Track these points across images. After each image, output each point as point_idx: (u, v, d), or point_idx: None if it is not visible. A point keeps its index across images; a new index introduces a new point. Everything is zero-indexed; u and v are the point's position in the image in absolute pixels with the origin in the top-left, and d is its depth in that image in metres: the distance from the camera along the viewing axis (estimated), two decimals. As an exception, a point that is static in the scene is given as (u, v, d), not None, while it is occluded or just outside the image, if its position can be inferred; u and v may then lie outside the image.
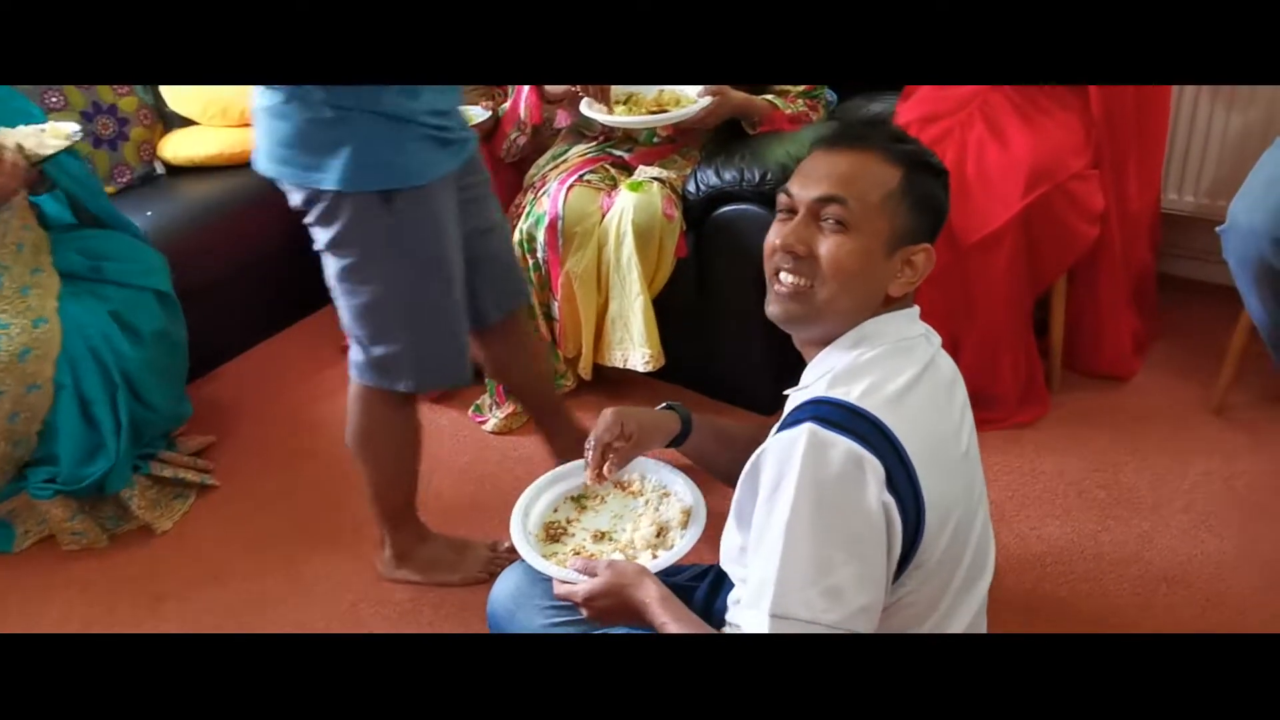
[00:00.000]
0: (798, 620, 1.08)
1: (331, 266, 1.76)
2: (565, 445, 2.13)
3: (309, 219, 1.73)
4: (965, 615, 1.22)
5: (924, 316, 1.28)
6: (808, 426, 1.10)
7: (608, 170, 2.45)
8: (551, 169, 2.49)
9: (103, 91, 2.82)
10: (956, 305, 2.24)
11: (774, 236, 1.24)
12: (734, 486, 1.23)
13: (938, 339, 1.27)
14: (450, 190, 1.74)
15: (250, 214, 2.78)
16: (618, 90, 2.36)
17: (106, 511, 2.25)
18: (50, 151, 2.15)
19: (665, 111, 2.31)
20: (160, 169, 2.92)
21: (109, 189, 2.73)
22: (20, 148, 2.12)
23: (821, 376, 1.19)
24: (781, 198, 1.25)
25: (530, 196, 2.46)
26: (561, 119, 2.56)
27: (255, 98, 1.67)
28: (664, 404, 1.54)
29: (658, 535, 1.48)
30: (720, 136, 2.45)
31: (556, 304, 2.40)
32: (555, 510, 1.58)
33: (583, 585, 1.32)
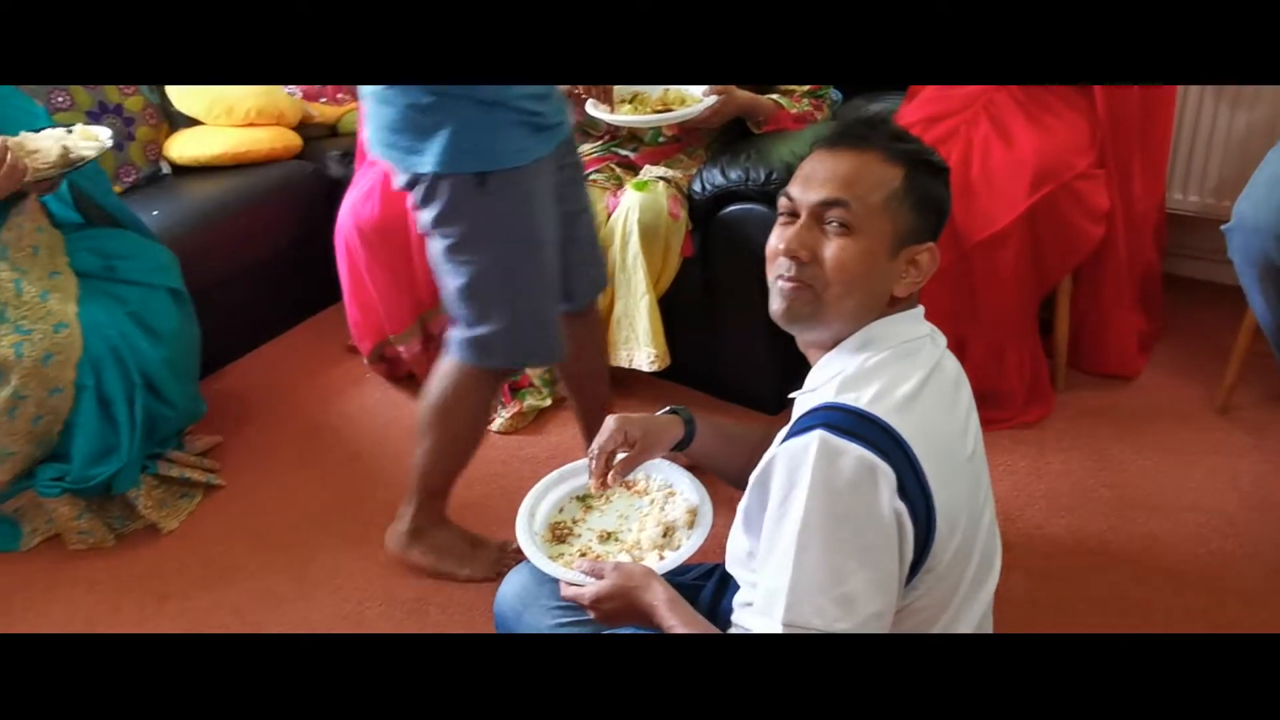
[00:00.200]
0: (810, 629, 1.08)
1: (437, 248, 1.81)
2: None
3: (412, 201, 1.78)
4: (973, 617, 1.22)
5: (929, 316, 1.28)
6: (818, 433, 1.09)
7: (613, 170, 2.45)
8: (556, 168, 2.49)
9: (109, 91, 2.82)
10: (962, 305, 2.24)
11: (776, 241, 1.23)
12: (740, 488, 1.23)
13: (943, 339, 1.27)
14: (546, 173, 1.78)
15: (256, 213, 2.79)
16: (622, 89, 2.37)
17: (113, 511, 2.26)
18: (91, 154, 2.17)
19: (670, 111, 2.31)
20: (166, 168, 2.93)
21: (115, 188, 2.74)
22: (66, 150, 2.13)
23: (829, 381, 1.19)
24: (782, 201, 1.24)
25: (535, 196, 2.46)
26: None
27: (363, 85, 1.75)
28: (667, 408, 1.53)
29: (664, 535, 1.48)
30: (726, 136, 2.45)
31: (562, 303, 2.40)
32: (561, 510, 1.58)
33: (590, 587, 1.32)
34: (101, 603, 2.09)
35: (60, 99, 2.72)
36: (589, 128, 2.53)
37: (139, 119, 2.87)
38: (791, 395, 1.27)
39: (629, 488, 1.60)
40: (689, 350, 2.42)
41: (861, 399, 1.13)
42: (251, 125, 2.93)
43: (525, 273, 1.79)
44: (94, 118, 2.76)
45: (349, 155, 2.83)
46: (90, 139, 2.19)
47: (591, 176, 2.40)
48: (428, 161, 1.68)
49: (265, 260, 2.84)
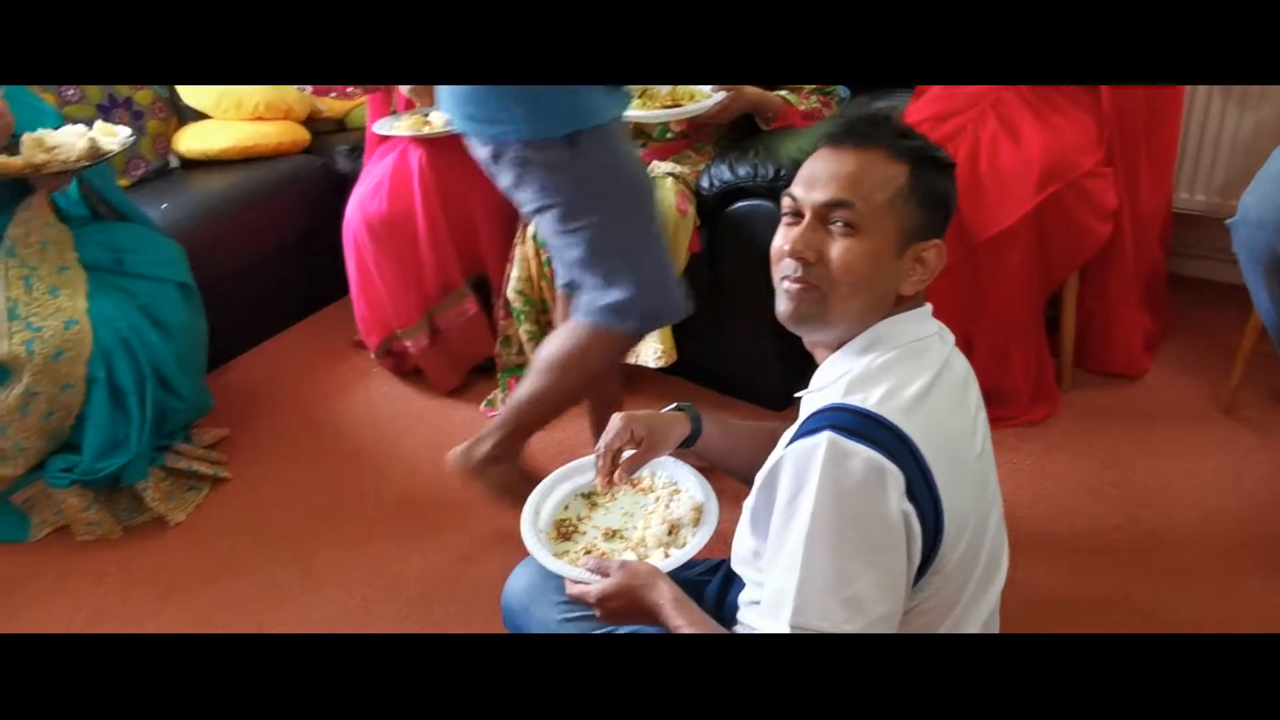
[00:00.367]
0: (817, 631, 1.07)
1: (546, 226, 1.81)
2: None
3: (506, 181, 1.78)
4: (979, 617, 1.22)
5: (935, 314, 1.27)
6: (826, 435, 1.08)
7: (620, 166, 2.45)
8: (564, 164, 2.50)
9: (118, 85, 2.84)
10: (968, 302, 2.24)
11: (781, 241, 1.21)
12: (747, 484, 1.23)
13: (951, 337, 1.26)
14: (625, 132, 1.79)
15: (264, 207, 2.80)
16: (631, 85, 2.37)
17: (122, 503, 2.27)
18: (116, 148, 2.19)
19: (679, 106, 2.31)
20: (175, 162, 2.94)
21: (123, 182, 2.75)
22: (94, 143, 2.15)
23: (836, 380, 1.18)
24: (786, 201, 1.23)
25: (543, 192, 2.47)
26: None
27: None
28: (673, 405, 1.52)
29: (669, 533, 1.47)
30: (734, 132, 2.45)
31: (568, 299, 2.41)
32: (566, 508, 1.57)
33: (595, 586, 1.31)
34: (110, 594, 2.10)
35: (70, 92, 2.73)
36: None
37: (148, 113, 2.88)
38: (798, 394, 1.26)
39: (634, 485, 1.59)
40: (695, 346, 2.42)
41: (869, 400, 1.12)
42: (260, 120, 2.93)
43: (638, 227, 1.80)
44: (104, 111, 2.77)
45: (357, 150, 2.84)
46: (109, 134, 2.22)
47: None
48: (514, 130, 1.67)
49: (272, 254, 2.85)
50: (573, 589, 1.35)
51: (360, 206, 2.53)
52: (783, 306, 1.22)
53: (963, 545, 1.15)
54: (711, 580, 1.46)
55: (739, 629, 1.29)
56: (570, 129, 1.68)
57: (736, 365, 2.46)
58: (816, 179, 1.19)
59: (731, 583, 1.39)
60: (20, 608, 2.09)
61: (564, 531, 1.52)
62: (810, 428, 1.12)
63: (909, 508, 1.08)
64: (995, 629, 1.29)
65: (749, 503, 1.23)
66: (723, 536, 1.44)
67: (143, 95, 2.87)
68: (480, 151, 1.78)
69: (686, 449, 1.51)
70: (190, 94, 2.95)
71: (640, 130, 2.49)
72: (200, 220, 2.68)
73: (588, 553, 1.45)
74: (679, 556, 1.41)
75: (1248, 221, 1.97)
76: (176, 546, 2.22)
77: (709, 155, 2.41)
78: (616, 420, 1.45)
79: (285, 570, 2.13)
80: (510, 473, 2.04)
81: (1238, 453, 2.22)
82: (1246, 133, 2.53)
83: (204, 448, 2.43)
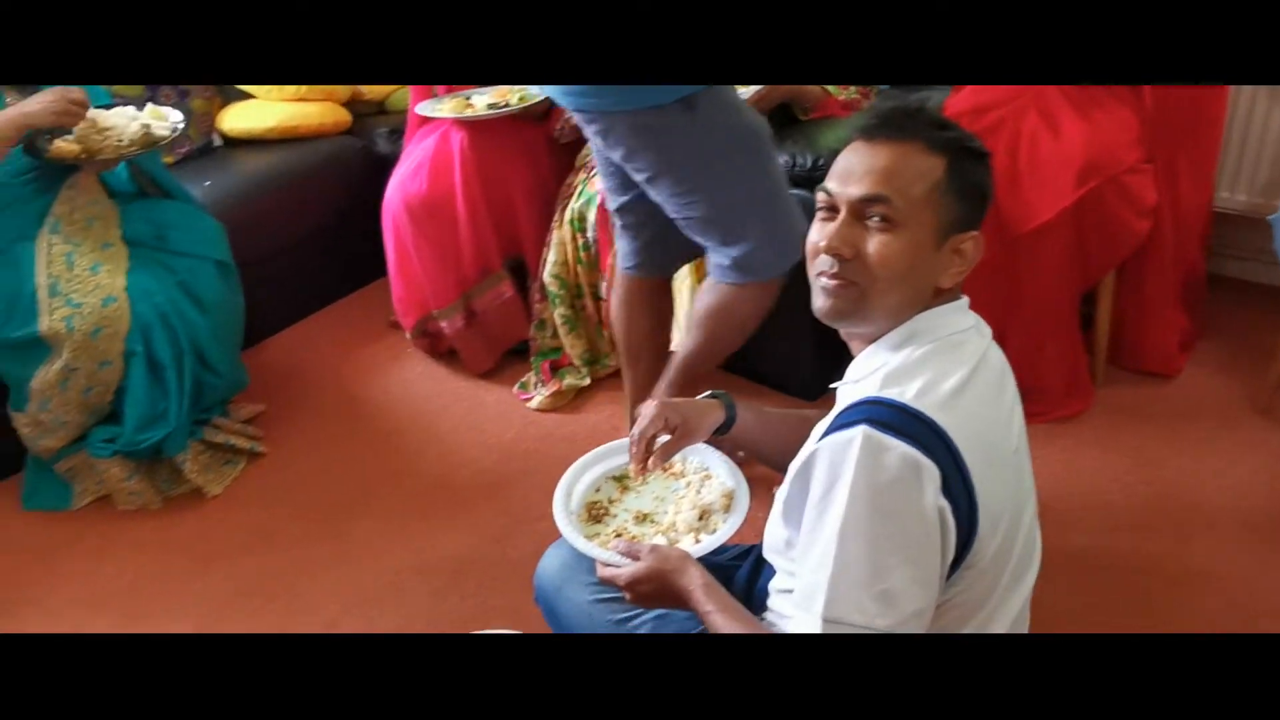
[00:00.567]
0: (850, 625, 1.07)
1: (663, 192, 1.82)
2: None
3: (618, 154, 1.79)
4: (1010, 611, 1.21)
5: (970, 307, 1.25)
6: (862, 429, 1.08)
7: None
8: (603, 150, 2.51)
9: (164, 63, 2.87)
10: (1004, 296, 2.24)
11: (816, 237, 1.19)
12: (780, 471, 1.24)
13: (988, 330, 1.25)
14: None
15: (304, 187, 2.83)
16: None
17: (161, 474, 2.32)
18: (167, 135, 2.25)
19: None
20: (218, 141, 2.98)
21: (168, 159, 2.79)
22: (147, 129, 2.21)
23: (872, 373, 1.17)
24: (821, 195, 1.21)
25: (583, 176, 2.49)
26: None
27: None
28: (707, 392, 1.52)
29: (700, 519, 1.47)
30: (772, 122, 2.43)
31: (605, 283, 2.43)
32: (597, 490, 1.57)
33: (626, 569, 1.32)
34: (151, 562, 2.15)
35: (118, 70, 2.77)
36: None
37: (193, 91, 2.92)
38: (833, 385, 1.26)
39: (666, 470, 1.60)
40: (728, 335, 2.43)
41: (906, 394, 1.11)
42: (302, 100, 2.97)
43: (756, 180, 1.81)
44: (152, 89, 2.80)
45: (397, 132, 2.87)
46: (160, 118, 2.26)
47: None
48: (631, 100, 1.67)
49: (311, 234, 2.88)
50: (603, 571, 1.36)
51: (400, 187, 2.55)
52: (819, 303, 1.20)
53: (997, 540, 1.15)
54: (741, 566, 1.47)
55: (769, 615, 1.30)
56: (686, 91, 1.68)
57: (771, 354, 2.46)
58: (851, 173, 1.18)
59: (761, 568, 1.39)
60: (63, 574, 2.14)
61: (595, 514, 1.53)
62: (846, 420, 1.11)
63: (944, 503, 1.08)
64: (1026, 624, 1.29)
65: (782, 492, 1.23)
66: (752, 523, 1.45)
67: (188, 74, 2.91)
68: (589, 126, 1.77)
69: (720, 436, 1.52)
70: (235, 73, 2.99)
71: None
72: (241, 199, 2.72)
73: (618, 535, 1.46)
74: (709, 542, 1.42)
75: None
76: (214, 518, 2.27)
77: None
78: (651, 407, 1.45)
79: (320, 544, 2.17)
80: None
81: (1273, 454, 2.20)
82: (1291, 132, 2.50)
83: (241, 422, 2.47)
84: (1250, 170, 2.58)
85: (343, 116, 3.00)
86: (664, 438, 1.46)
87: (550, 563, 1.54)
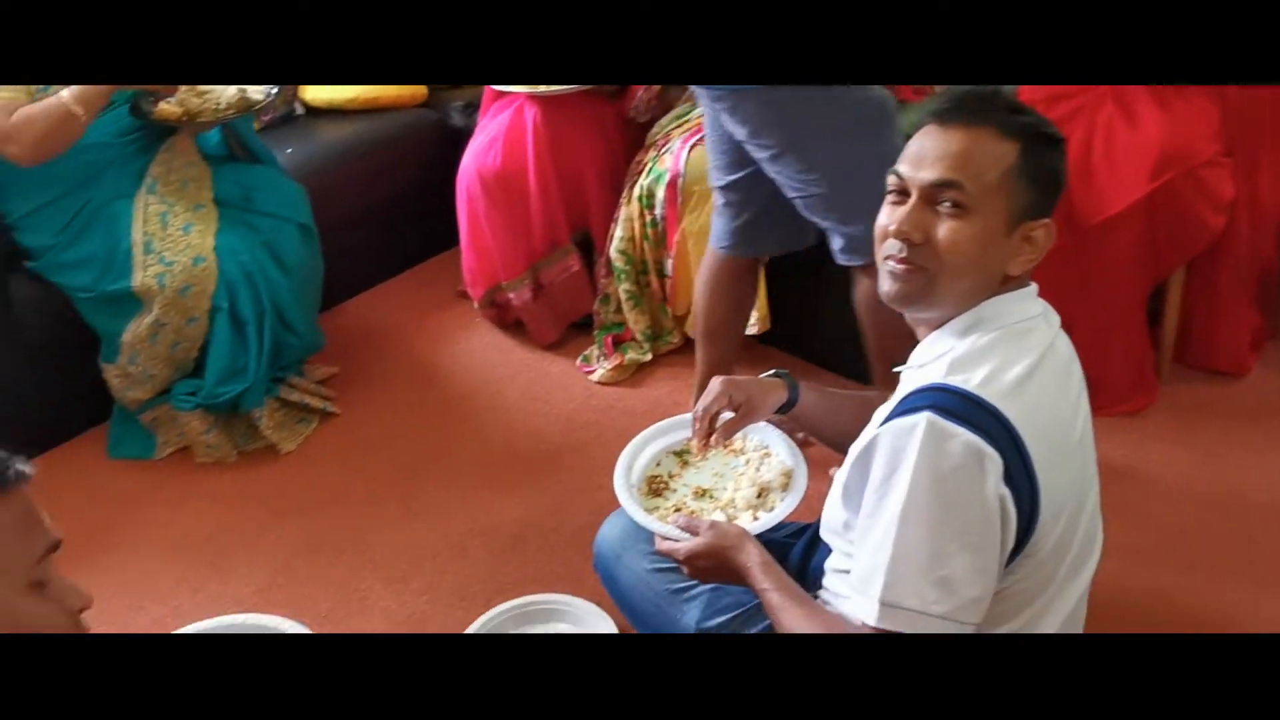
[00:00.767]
0: (907, 610, 1.08)
1: (785, 171, 1.84)
2: None
3: (744, 132, 1.82)
4: (1069, 601, 1.21)
5: (1038, 294, 1.25)
6: (926, 415, 1.08)
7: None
8: (675, 127, 2.53)
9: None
10: (1072, 287, 2.21)
11: (886, 220, 1.19)
12: (840, 451, 1.25)
13: (1056, 319, 1.24)
14: None
15: (381, 157, 2.89)
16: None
17: (239, 429, 2.41)
18: (262, 99, 2.35)
19: None
20: (300, 109, 3.05)
21: (254, 125, 2.87)
22: (243, 92, 2.31)
23: (937, 359, 1.17)
24: (891, 179, 1.20)
25: (652, 154, 2.51)
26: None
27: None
28: (771, 371, 1.54)
29: (758, 496, 1.50)
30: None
31: (670, 261, 2.46)
32: (658, 464, 1.60)
33: (685, 544, 1.34)
34: (227, 513, 2.24)
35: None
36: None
37: (277, 60, 2.99)
38: (896, 369, 1.27)
39: (725, 446, 1.62)
40: (791, 315, 2.45)
41: (971, 381, 1.11)
42: (383, 71, 3.02)
43: (886, 155, 1.81)
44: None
45: (471, 106, 2.91)
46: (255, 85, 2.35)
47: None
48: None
49: (386, 203, 2.94)
50: (662, 545, 1.39)
51: (475, 160, 2.61)
52: (887, 286, 1.20)
53: (1058, 530, 1.15)
54: (796, 543, 1.48)
55: (823, 594, 1.32)
56: None
57: (831, 336, 2.47)
58: (924, 157, 1.17)
59: (816, 546, 1.41)
60: (145, 520, 2.25)
61: (655, 488, 1.56)
62: (910, 406, 1.12)
63: (1005, 492, 1.08)
64: (1083, 614, 1.28)
65: (841, 474, 1.24)
66: (809, 501, 1.48)
67: (273, 42, 2.98)
68: (716, 104, 1.79)
69: (782, 415, 1.53)
70: (317, 43, 3.05)
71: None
72: (321, 166, 2.78)
73: (677, 510, 1.49)
74: (767, 520, 1.44)
75: None
76: (287, 473, 2.35)
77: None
78: (716, 385, 1.47)
79: (388, 503, 2.24)
80: None
81: (1342, 458, 2.17)
82: (1379, 129, 2.43)
83: (315, 383, 2.55)
84: (1334, 167, 2.52)
85: (419, 90, 3.06)
86: (727, 414, 1.48)
87: (610, 531, 1.58)
